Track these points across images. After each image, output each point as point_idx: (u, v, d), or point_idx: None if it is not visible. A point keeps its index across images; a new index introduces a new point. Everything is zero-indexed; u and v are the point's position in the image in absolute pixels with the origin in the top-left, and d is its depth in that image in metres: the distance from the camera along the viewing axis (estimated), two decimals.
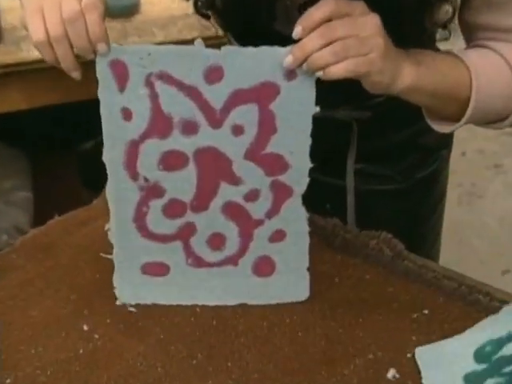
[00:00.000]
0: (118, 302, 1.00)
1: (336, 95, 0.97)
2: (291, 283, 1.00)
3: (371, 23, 0.85)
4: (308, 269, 0.99)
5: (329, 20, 0.84)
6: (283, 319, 0.98)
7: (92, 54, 0.86)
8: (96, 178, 1.02)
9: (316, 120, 0.90)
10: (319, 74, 0.85)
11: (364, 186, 1.19)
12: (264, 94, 0.88)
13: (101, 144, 0.91)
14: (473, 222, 2.57)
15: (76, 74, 0.88)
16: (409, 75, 0.90)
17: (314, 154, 0.92)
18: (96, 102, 0.89)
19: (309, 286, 1.00)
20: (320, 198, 1.06)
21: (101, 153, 0.92)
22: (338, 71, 0.84)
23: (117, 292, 1.00)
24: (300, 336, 0.96)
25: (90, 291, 1.02)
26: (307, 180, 0.94)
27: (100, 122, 0.90)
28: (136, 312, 1.00)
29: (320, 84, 0.88)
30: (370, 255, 1.08)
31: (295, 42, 0.86)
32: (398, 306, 1.00)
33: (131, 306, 1.00)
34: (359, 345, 0.94)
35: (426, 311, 0.99)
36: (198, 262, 0.99)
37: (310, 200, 0.96)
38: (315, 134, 0.90)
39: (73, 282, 1.04)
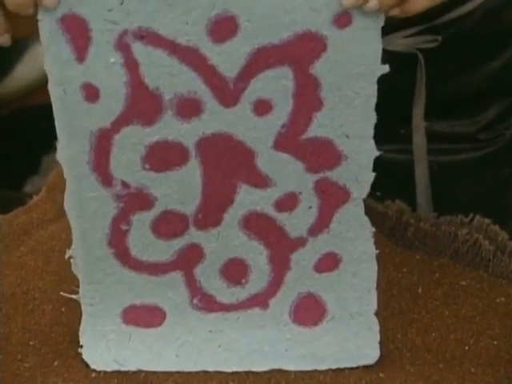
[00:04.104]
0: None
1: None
2: (351, 336, 0.70)
3: None
4: (376, 313, 0.69)
5: None
6: None
7: (32, 8, 0.58)
8: None
9: None
10: (394, 10, 0.58)
11: (433, 154, 0.88)
12: (302, 50, 0.60)
13: None
14: None
15: (4, 39, 0.60)
16: None
17: None
18: None
19: (379, 339, 0.70)
20: None
21: None
22: None
23: (85, 354, 0.70)
24: None
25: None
26: (372, 176, 0.65)
27: None
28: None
29: None
30: (461, 251, 0.81)
31: None
32: None
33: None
34: None
35: None
36: (208, 304, 0.69)
37: None
38: None
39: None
